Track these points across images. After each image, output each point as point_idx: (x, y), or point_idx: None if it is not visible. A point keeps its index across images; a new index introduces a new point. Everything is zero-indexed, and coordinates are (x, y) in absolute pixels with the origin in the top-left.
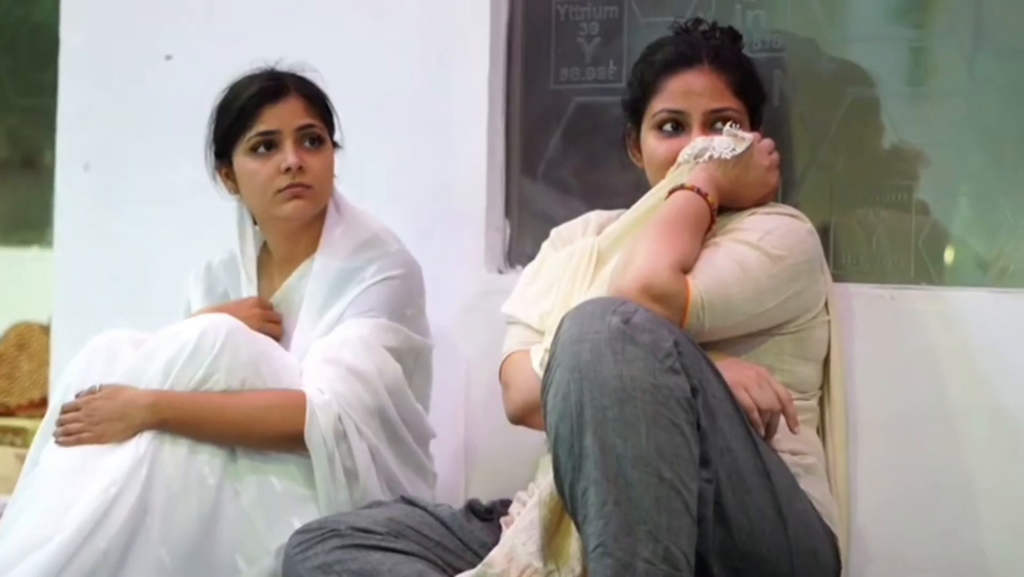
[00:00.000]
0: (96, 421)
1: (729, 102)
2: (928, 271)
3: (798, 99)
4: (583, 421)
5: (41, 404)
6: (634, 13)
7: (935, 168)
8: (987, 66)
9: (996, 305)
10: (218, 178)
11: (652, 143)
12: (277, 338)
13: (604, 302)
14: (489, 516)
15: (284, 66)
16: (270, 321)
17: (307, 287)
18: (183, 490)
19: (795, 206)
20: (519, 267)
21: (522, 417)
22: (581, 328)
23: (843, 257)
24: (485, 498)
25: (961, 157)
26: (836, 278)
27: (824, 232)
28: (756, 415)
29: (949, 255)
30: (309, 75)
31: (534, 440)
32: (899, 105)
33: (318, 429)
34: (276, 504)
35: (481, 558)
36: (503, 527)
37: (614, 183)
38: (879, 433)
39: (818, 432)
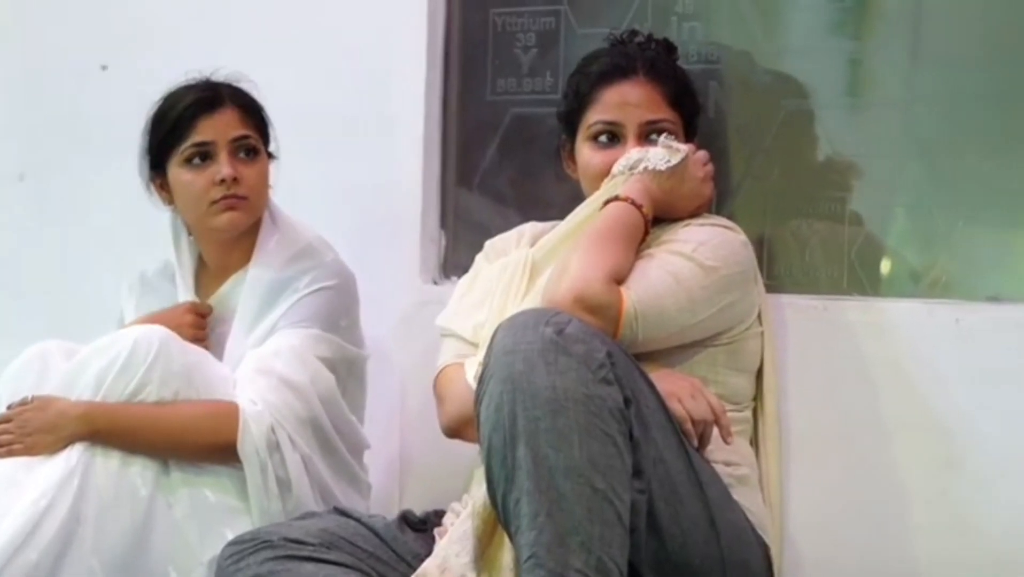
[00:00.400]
0: (27, 433)
1: (664, 113)
2: (861, 282)
3: (733, 111)
4: (516, 432)
5: None
6: (571, 24)
7: (870, 179)
8: (924, 78)
9: (929, 316)
10: (152, 189)
11: (587, 154)
12: (206, 347)
13: (537, 313)
14: (423, 527)
15: (220, 76)
16: (201, 329)
17: (241, 297)
18: (115, 501)
19: (730, 217)
20: (454, 278)
21: (456, 430)
22: (514, 339)
23: (777, 268)
24: (419, 509)
25: (897, 168)
26: (770, 289)
27: (758, 243)
28: (689, 426)
29: (883, 266)
30: (245, 86)
31: (469, 451)
32: (836, 117)
33: (251, 440)
34: (209, 515)
35: (414, 569)
36: (436, 538)
37: (550, 194)
38: (812, 444)
39: (751, 443)
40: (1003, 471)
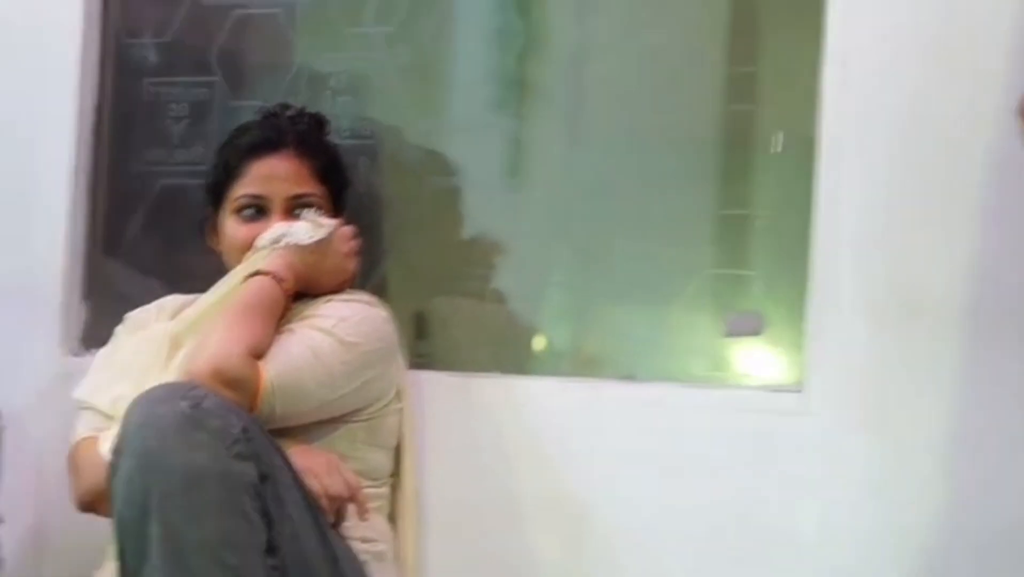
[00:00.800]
0: None
1: (311, 188)
2: (504, 359)
3: (384, 186)
4: (148, 506)
5: None
6: (225, 95)
7: (522, 258)
8: (580, 159)
9: (564, 393)
10: None
11: (231, 227)
12: None
13: (174, 387)
14: None
15: None
16: None
17: None
18: None
19: (376, 293)
20: (95, 350)
21: (90, 504)
22: (149, 412)
23: (421, 344)
24: None
25: (550, 247)
26: (413, 365)
27: (404, 319)
28: (325, 502)
29: (526, 344)
30: None
31: (107, 525)
32: (493, 195)
33: None
34: None
35: None
36: None
37: (197, 267)
38: (451, 520)
39: (389, 519)
40: (633, 547)
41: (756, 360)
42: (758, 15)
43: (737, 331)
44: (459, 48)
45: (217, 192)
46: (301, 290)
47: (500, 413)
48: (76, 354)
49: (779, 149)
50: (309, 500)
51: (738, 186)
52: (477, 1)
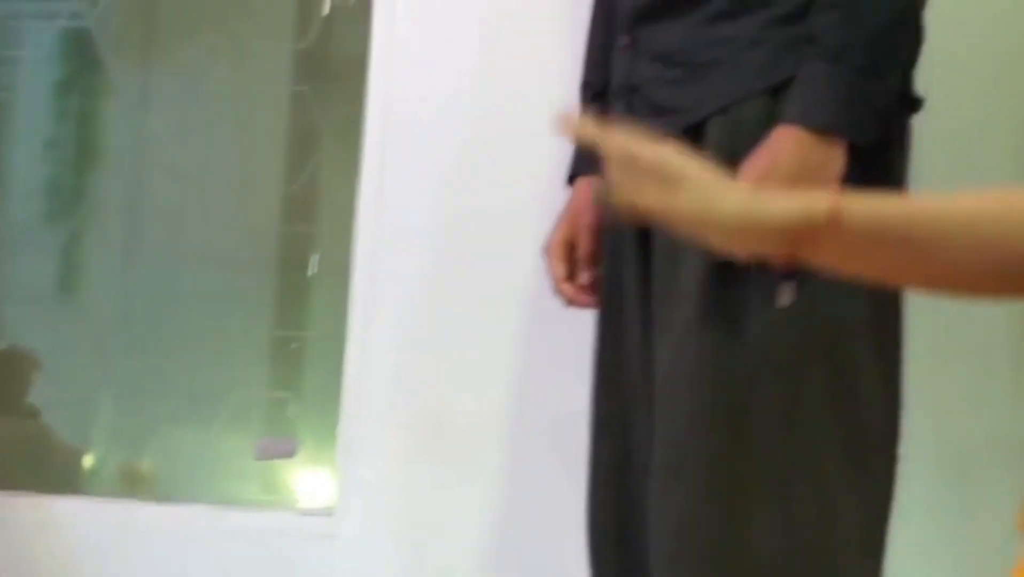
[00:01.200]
0: None
1: None
2: (44, 478)
3: None
4: None
5: None
6: None
7: (68, 374)
8: (135, 276)
9: (100, 514)
10: None
11: None
12: None
13: None
14: None
15: None
16: None
17: None
18: None
19: None
20: None
21: None
22: None
23: None
24: None
25: (97, 364)
26: None
27: None
28: None
29: (68, 462)
30: None
31: None
32: (39, 309)
33: None
34: None
35: None
36: None
37: None
38: None
39: None
40: None
41: (293, 483)
42: (314, 135)
43: (267, 454)
44: (4, 157)
45: None
46: None
47: (34, 533)
48: None
49: (315, 271)
50: None
51: (287, 307)
52: (24, 111)
